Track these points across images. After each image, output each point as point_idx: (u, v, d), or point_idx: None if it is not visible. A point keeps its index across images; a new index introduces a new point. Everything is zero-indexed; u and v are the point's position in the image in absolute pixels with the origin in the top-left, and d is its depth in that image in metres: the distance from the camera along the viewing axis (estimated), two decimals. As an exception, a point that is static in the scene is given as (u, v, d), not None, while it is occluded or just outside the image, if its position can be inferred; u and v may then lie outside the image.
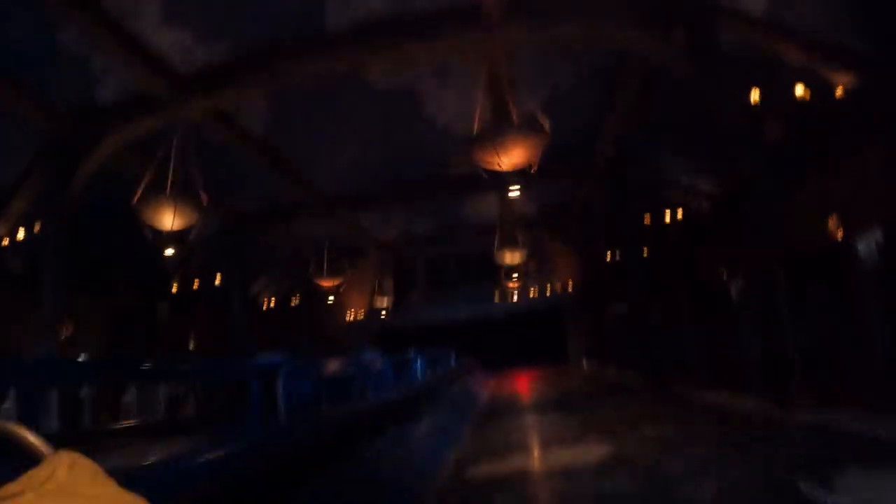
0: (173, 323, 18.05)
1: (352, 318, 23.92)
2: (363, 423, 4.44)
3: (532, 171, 8.20)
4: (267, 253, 20.41)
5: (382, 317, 21.93)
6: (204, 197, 9.10)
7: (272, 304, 23.77)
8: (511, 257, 17.83)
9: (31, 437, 0.75)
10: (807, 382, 5.97)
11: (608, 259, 18.88)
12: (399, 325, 22.44)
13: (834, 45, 7.58)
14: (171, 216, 8.49)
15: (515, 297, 21.00)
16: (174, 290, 17.96)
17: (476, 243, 22.05)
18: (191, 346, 18.50)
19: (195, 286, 18.53)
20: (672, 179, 14.05)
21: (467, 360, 17.39)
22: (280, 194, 15.65)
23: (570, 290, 21.07)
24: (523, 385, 15.85)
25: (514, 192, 9.51)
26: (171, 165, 8.89)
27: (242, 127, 11.35)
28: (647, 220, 15.10)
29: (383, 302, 20.40)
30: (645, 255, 14.82)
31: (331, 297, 21.87)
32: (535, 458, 5.91)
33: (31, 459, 0.70)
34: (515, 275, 18.38)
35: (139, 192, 8.70)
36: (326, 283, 18.96)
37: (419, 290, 22.86)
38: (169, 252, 9.10)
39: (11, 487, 0.61)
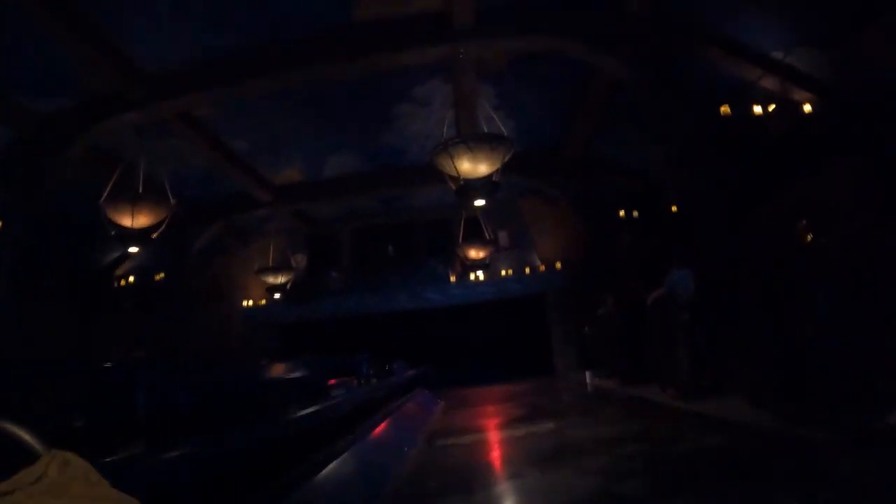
0: None
1: (249, 304, 16.88)
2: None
3: (495, 179, 7.39)
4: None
5: (278, 300, 14.98)
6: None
7: (131, 282, 16.49)
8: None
9: (25, 436, 0.77)
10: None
11: (622, 218, 12.69)
12: (311, 317, 15.60)
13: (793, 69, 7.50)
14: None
15: (481, 276, 14.53)
16: None
17: (425, 207, 15.51)
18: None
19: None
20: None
21: (400, 375, 10.87)
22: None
23: (557, 268, 14.73)
24: (490, 429, 9.42)
25: (479, 202, 7.63)
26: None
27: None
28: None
29: (279, 279, 13.46)
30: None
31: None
32: None
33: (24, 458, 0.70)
34: (480, 253, 11.84)
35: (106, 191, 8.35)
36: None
37: (342, 271, 16.03)
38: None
39: (3, 486, 0.63)
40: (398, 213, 15.76)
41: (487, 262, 11.37)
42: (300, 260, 16.89)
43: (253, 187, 13.23)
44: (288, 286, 13.50)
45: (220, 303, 17.42)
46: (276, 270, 13.26)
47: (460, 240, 11.54)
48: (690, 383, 6.68)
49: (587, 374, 11.15)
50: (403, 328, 15.00)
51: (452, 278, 14.64)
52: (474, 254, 11.12)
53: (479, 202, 7.64)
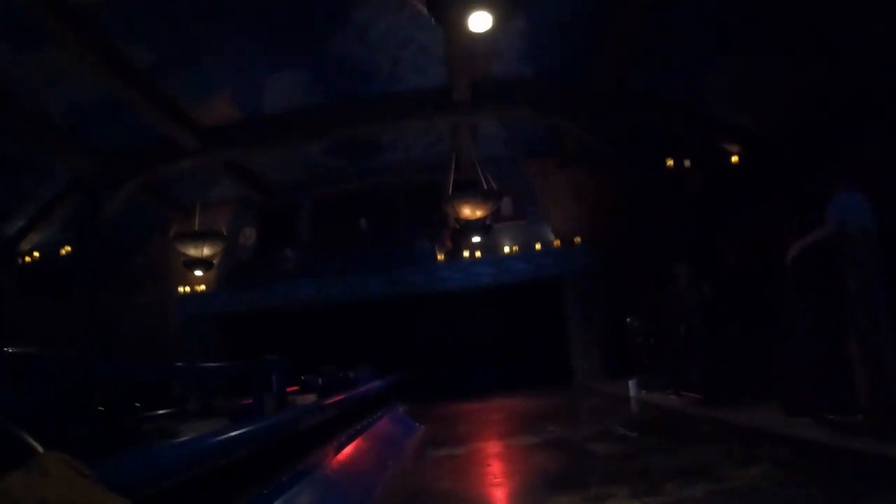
0: None
1: (186, 291, 13.39)
2: None
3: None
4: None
5: (224, 286, 11.56)
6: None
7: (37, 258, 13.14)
8: (472, 209, 8.11)
9: (20, 437, 0.75)
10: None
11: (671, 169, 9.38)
12: (259, 307, 12.14)
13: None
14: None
15: (478, 254, 11.12)
16: None
17: (406, 166, 12.12)
18: None
19: None
20: None
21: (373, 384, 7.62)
22: None
23: (576, 244, 11.33)
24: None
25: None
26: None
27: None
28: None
29: (203, 251, 9.90)
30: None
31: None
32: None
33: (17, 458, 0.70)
34: (477, 211, 8.36)
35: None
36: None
37: (300, 249, 12.58)
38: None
39: None
40: (371, 176, 12.30)
41: (488, 222, 7.99)
42: (248, 235, 13.42)
43: (172, 127, 9.77)
44: (216, 261, 10.06)
45: (158, 290, 13.97)
46: (197, 238, 9.80)
47: (450, 190, 8.14)
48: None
49: (630, 384, 7.75)
50: (377, 322, 11.54)
51: (440, 257, 11.20)
52: (469, 211, 7.75)
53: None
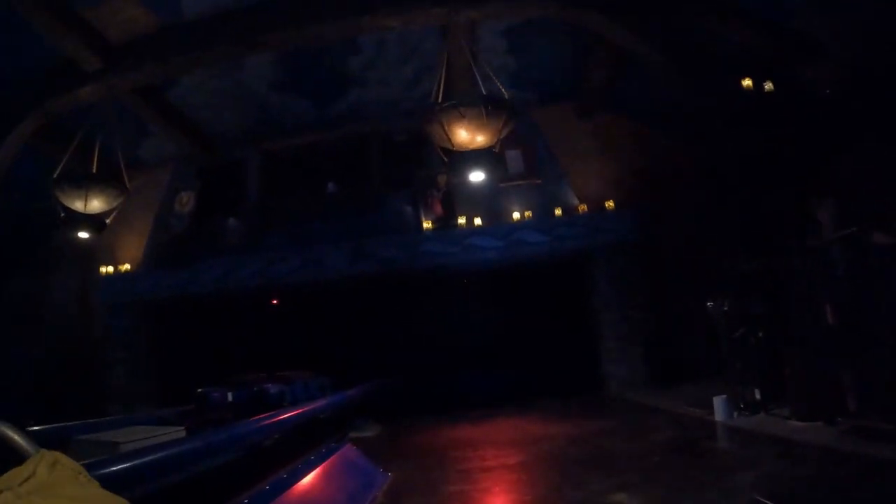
0: None
1: (110, 272, 10.51)
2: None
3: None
4: None
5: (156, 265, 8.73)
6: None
7: None
8: (469, 134, 5.09)
9: (16, 436, 0.75)
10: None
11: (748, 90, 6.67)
12: (192, 290, 9.30)
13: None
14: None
15: (478, 222, 8.31)
16: None
17: (382, 109, 9.33)
18: None
19: None
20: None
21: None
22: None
23: (608, 209, 8.51)
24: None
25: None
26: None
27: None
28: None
29: (92, 203, 6.99)
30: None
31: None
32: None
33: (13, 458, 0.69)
34: (478, 136, 5.39)
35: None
36: None
37: (246, 216, 9.72)
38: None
39: None
40: (337, 124, 9.46)
41: (496, 148, 5.18)
42: (185, 201, 10.54)
43: (67, 41, 6.99)
44: (109, 219, 7.24)
45: (77, 270, 11.11)
46: (82, 184, 6.92)
47: (437, 98, 5.29)
48: None
49: (717, 403, 4.96)
50: (341, 310, 8.71)
51: (427, 225, 8.36)
52: (467, 134, 4.93)
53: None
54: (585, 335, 8.40)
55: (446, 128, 5.10)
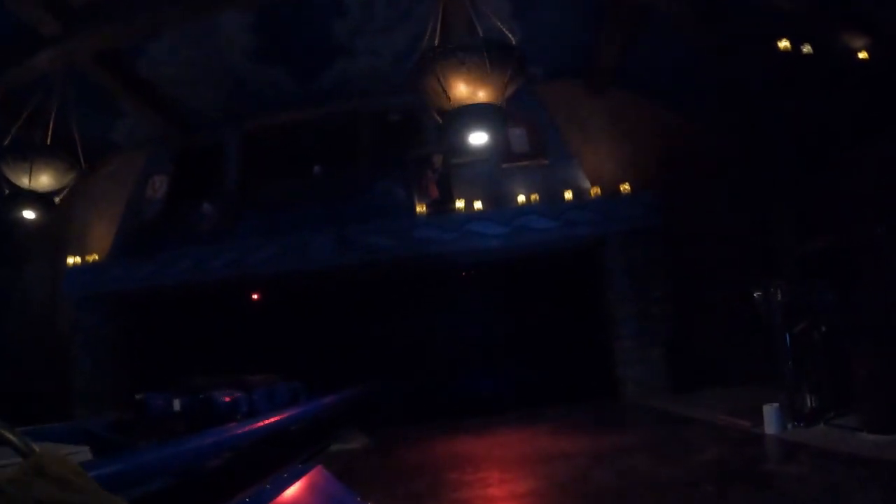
0: None
1: (77, 262, 9.61)
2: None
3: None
4: None
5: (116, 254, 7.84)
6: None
7: None
8: (469, 88, 4.15)
9: (12, 436, 0.75)
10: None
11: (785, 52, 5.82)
12: (162, 283, 8.40)
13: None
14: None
15: (478, 206, 7.43)
16: None
17: (372, 83, 8.47)
18: None
19: None
20: None
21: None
22: None
23: (623, 193, 7.61)
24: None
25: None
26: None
27: None
28: None
29: (41, 178, 6.08)
30: None
31: None
32: None
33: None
34: (480, 91, 4.49)
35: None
36: None
37: (222, 201, 8.83)
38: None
39: None
40: (323, 99, 8.57)
41: (500, 105, 4.28)
42: (158, 186, 9.65)
43: (24, 2, 6.15)
44: (59, 198, 6.35)
45: (47, 261, 10.25)
46: (23, 155, 6.01)
47: (434, 39, 4.40)
48: None
49: (768, 412, 4.09)
50: (325, 305, 7.82)
51: (420, 209, 7.46)
52: (467, 88, 4.06)
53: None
54: (598, 333, 7.50)
55: (443, 80, 4.21)
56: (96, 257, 9.58)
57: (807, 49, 6.39)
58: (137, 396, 4.43)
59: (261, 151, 8.99)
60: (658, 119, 8.44)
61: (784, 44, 6.36)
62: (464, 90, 4.26)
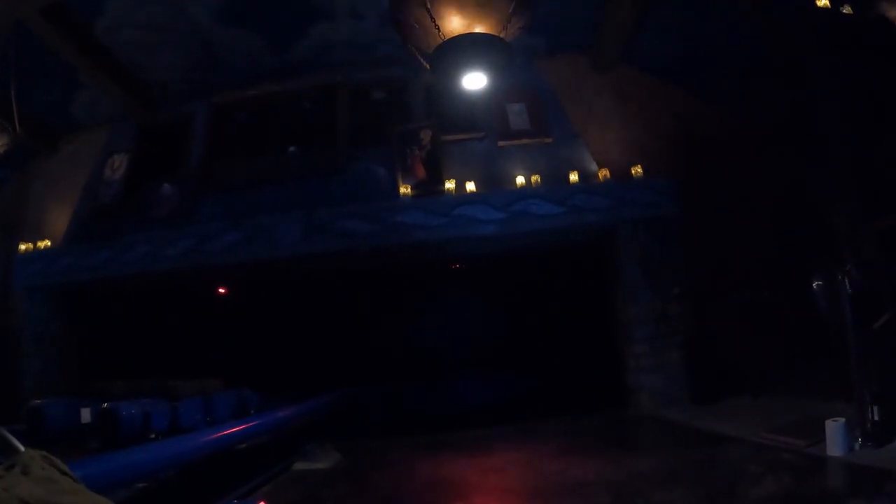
0: None
1: (29, 248, 8.61)
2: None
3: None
4: None
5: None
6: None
7: None
8: (465, 20, 3.20)
9: (1, 436, 0.79)
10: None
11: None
12: (115, 273, 7.43)
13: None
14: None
15: (471, 187, 6.52)
16: None
17: (353, 53, 7.57)
18: None
19: None
20: None
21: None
22: None
23: (635, 177, 6.71)
24: None
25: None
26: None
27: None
28: None
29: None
30: None
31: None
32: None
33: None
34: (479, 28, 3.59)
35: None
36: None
37: (184, 181, 7.87)
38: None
39: None
40: (300, 70, 7.66)
41: (503, 34, 3.39)
42: (117, 165, 8.69)
43: None
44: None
45: (8, 249, 9.28)
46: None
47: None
48: None
49: (832, 430, 3.19)
50: (293, 299, 6.88)
51: (404, 190, 6.54)
52: (461, 19, 3.20)
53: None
54: (607, 334, 6.60)
55: (432, 9, 3.32)
56: (48, 243, 8.61)
57: (847, 10, 5.58)
58: (33, 403, 3.49)
59: (231, 128, 8.07)
60: (671, 99, 7.59)
61: (823, 2, 5.55)
62: (458, 22, 3.39)
